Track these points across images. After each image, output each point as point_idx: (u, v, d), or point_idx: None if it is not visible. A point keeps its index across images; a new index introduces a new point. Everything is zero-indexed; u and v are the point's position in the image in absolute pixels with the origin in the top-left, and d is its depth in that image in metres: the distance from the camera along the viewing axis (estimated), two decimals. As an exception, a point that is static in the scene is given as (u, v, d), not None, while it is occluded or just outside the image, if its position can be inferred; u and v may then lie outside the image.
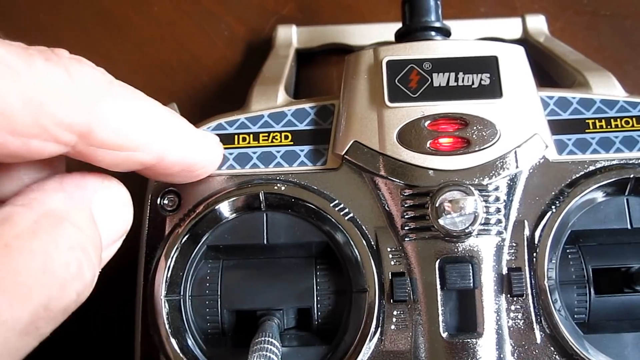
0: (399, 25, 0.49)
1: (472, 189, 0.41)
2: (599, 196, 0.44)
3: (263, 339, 0.40)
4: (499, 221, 0.42)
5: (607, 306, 0.43)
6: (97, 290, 0.45)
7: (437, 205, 0.41)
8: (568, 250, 0.44)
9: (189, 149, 0.38)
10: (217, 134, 0.45)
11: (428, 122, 0.43)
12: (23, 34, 0.59)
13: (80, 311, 0.50)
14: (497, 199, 0.42)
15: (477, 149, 0.42)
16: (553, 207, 0.43)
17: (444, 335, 0.41)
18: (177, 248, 0.43)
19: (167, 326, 0.42)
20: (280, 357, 0.40)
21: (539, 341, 0.42)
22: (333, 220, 0.43)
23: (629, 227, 0.44)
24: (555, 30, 0.61)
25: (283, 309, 0.43)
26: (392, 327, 0.42)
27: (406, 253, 0.42)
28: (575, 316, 0.43)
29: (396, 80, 0.44)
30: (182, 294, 0.43)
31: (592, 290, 0.43)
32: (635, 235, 0.44)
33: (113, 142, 0.32)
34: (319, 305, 0.43)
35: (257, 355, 0.39)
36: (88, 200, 0.32)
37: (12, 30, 0.61)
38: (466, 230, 0.41)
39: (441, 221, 0.41)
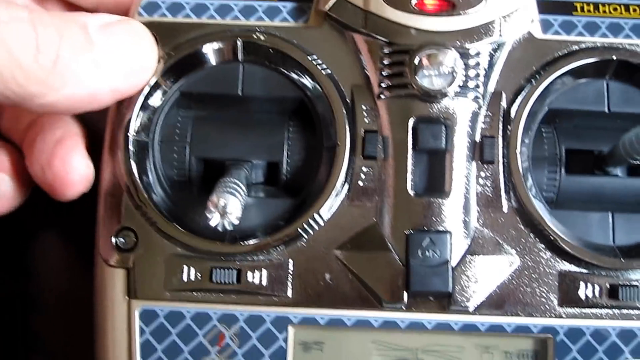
0: None
1: (453, 48, 0.41)
2: (580, 77, 0.44)
3: (229, 179, 0.40)
4: (477, 86, 0.42)
5: (576, 186, 0.43)
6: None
7: (415, 62, 0.41)
8: (543, 130, 0.44)
9: None
10: None
11: (414, -19, 0.42)
12: None
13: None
14: (477, 64, 0.42)
15: (461, 12, 0.42)
16: (533, 80, 0.43)
17: (411, 193, 0.41)
18: (149, 89, 0.42)
19: (132, 164, 0.41)
20: (244, 198, 0.39)
21: (505, 210, 0.42)
22: (310, 73, 0.42)
23: (606, 110, 0.44)
24: None
25: (252, 161, 0.43)
26: (360, 183, 0.41)
27: (381, 112, 0.42)
28: (545, 194, 0.43)
29: (386, -63, 0.43)
30: (151, 137, 0.43)
31: (563, 169, 0.43)
32: (612, 120, 0.44)
33: None
34: (288, 160, 0.43)
35: (221, 190, 0.38)
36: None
37: None
38: (443, 90, 0.41)
39: (418, 78, 0.40)
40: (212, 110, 0.44)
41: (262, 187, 0.44)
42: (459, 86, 0.41)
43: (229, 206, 0.38)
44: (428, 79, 0.40)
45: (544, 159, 0.43)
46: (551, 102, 0.43)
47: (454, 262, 0.40)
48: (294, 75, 0.43)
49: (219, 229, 0.38)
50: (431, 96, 0.41)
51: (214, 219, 0.38)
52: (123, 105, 0.42)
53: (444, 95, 0.41)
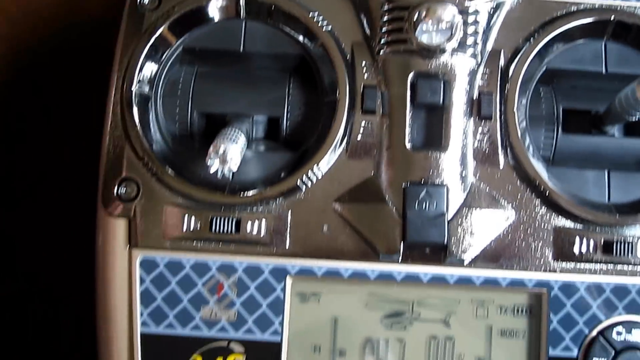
0: None
1: (452, 4, 0.41)
2: (577, 37, 0.44)
3: (230, 129, 0.40)
4: (476, 43, 0.42)
5: (573, 145, 0.44)
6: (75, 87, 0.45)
7: (414, 18, 0.41)
8: (541, 89, 0.44)
9: None
10: None
11: (415, -60, 0.43)
12: None
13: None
14: (476, 22, 0.42)
15: None
16: (531, 39, 0.43)
17: (409, 146, 0.41)
18: (153, 42, 0.43)
19: (135, 116, 0.42)
20: (244, 147, 0.40)
21: (502, 165, 0.42)
22: (311, 30, 0.43)
23: (603, 71, 0.44)
24: None
25: (253, 116, 0.44)
26: (359, 137, 0.42)
27: (380, 67, 0.42)
28: (542, 152, 0.44)
29: None
30: (154, 91, 0.43)
31: (560, 128, 0.44)
32: (609, 80, 0.44)
33: None
34: (288, 115, 0.43)
35: (222, 138, 0.39)
36: None
37: None
38: (441, 46, 0.41)
39: (417, 34, 0.41)
40: (214, 66, 0.44)
41: (263, 142, 0.44)
42: (457, 42, 0.41)
43: (229, 153, 0.38)
44: (427, 35, 0.41)
45: (542, 118, 0.44)
46: (549, 62, 0.44)
47: (449, 215, 0.41)
48: (295, 32, 0.44)
49: (218, 175, 0.38)
50: (430, 52, 0.41)
51: (214, 166, 0.38)
52: (126, 58, 0.43)
53: (443, 51, 0.41)
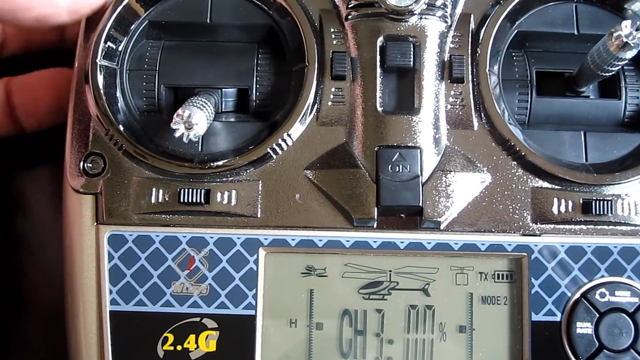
0: None
1: None
2: (547, 0, 0.44)
3: (196, 97, 0.39)
4: (445, 5, 0.42)
5: (547, 107, 0.43)
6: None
7: (382, -20, 0.41)
8: (513, 54, 0.44)
9: None
10: None
11: None
12: None
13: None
14: None
15: None
16: (501, 1, 0.43)
17: (380, 110, 0.41)
18: (119, 13, 0.42)
19: (100, 90, 0.41)
20: (211, 114, 0.39)
21: (476, 127, 0.41)
22: None
23: (575, 32, 0.44)
24: None
25: (221, 89, 0.43)
26: (329, 103, 0.41)
27: (349, 33, 0.42)
28: (517, 116, 0.43)
29: None
30: (119, 65, 0.42)
31: (534, 91, 0.43)
32: (581, 42, 0.44)
33: None
34: (257, 86, 0.43)
35: (188, 104, 0.38)
36: None
37: None
38: (410, 8, 0.40)
39: (386, -4, 0.40)
40: (181, 39, 0.44)
41: (232, 115, 0.43)
42: (426, 4, 0.41)
43: (194, 117, 0.37)
44: (396, -3, 0.40)
45: (515, 82, 0.43)
46: (520, 25, 0.43)
47: (424, 178, 0.40)
48: (262, 1, 0.43)
49: (184, 140, 0.37)
50: (399, 14, 0.41)
51: (179, 130, 0.37)
52: (91, 31, 0.42)
53: (412, 13, 0.41)
